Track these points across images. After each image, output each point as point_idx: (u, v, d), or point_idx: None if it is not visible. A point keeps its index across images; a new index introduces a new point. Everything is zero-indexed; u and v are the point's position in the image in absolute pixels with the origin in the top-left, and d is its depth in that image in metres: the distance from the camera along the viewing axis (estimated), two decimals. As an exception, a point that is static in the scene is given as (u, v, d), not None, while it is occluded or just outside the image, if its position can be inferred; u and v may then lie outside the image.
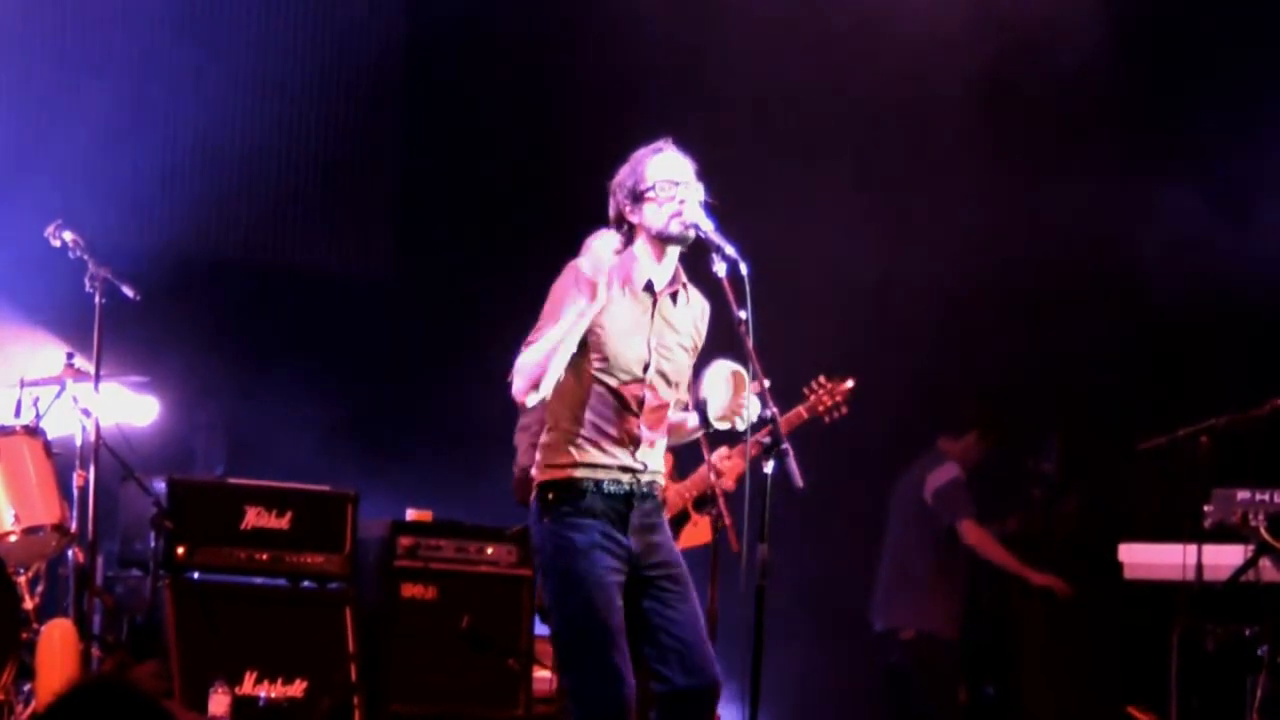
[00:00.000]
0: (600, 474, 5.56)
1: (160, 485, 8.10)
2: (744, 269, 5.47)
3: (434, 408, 9.89)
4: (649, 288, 5.63)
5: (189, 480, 8.35)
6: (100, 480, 7.82)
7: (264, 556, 8.26)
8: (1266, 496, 7.45)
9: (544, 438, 5.65)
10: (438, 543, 8.51)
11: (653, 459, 5.65)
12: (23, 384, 7.91)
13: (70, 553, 7.79)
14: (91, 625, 7.76)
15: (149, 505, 7.97)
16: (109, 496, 8.17)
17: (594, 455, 5.56)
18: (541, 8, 10.35)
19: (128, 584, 8.29)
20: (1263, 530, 7.40)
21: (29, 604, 7.52)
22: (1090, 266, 9.63)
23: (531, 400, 5.53)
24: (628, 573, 5.56)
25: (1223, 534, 7.50)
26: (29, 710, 7.33)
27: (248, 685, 8.00)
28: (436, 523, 8.60)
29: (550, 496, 5.58)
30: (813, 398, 7.24)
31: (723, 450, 6.98)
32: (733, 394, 5.57)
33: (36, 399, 7.86)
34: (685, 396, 5.73)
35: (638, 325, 5.61)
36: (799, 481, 5.34)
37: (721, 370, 5.57)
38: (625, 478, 5.58)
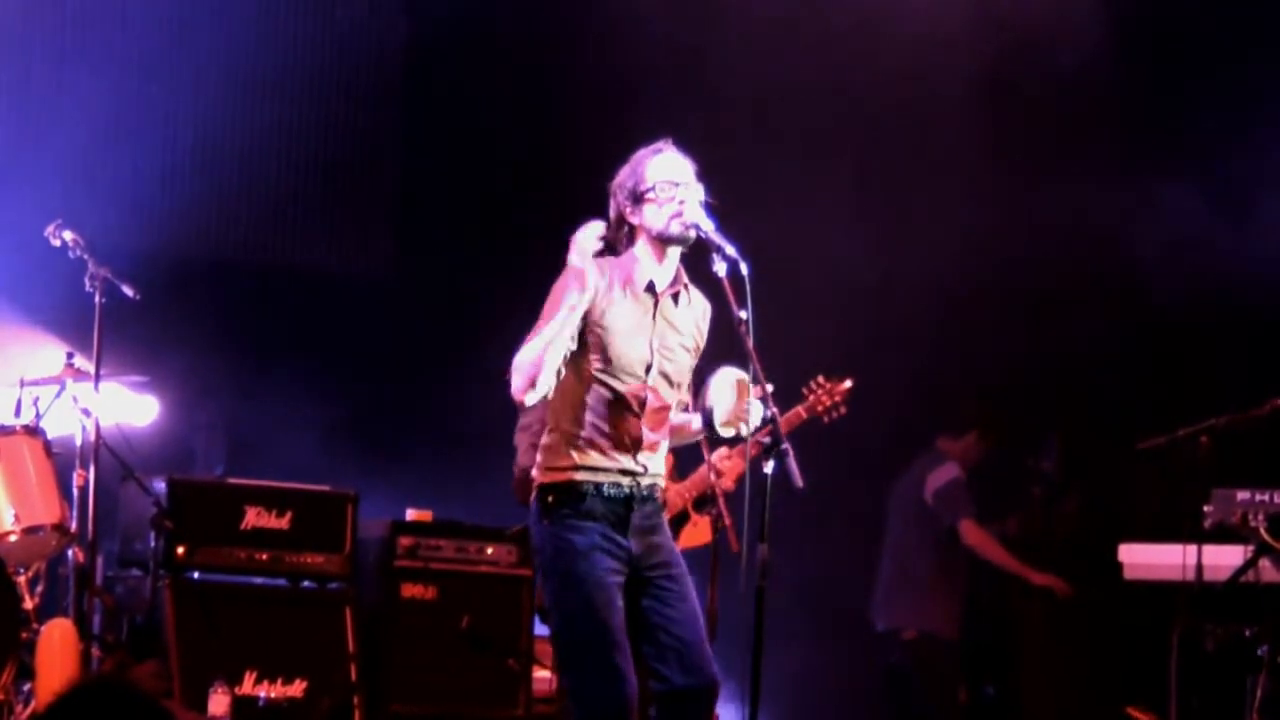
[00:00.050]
0: (600, 477, 5.56)
1: (160, 485, 8.10)
2: (744, 269, 5.47)
3: (434, 408, 9.89)
4: (650, 288, 5.63)
5: (189, 480, 8.35)
6: (100, 480, 7.82)
7: (264, 556, 8.26)
8: (1266, 496, 7.45)
9: (545, 439, 5.65)
10: (438, 543, 8.51)
11: (654, 462, 5.65)
12: (23, 384, 7.90)
13: (70, 553, 7.79)
14: (91, 625, 7.76)
15: (149, 505, 7.96)
16: (109, 496, 8.17)
17: (594, 458, 5.56)
18: (541, 8, 10.35)
19: (128, 584, 8.29)
20: (1263, 530, 7.39)
21: (29, 604, 7.52)
22: (1090, 266, 9.63)
23: (530, 399, 5.52)
24: (627, 573, 5.56)
25: (1223, 534, 7.49)
26: (29, 710, 7.32)
27: (248, 685, 8.00)
28: (436, 523, 8.60)
29: (550, 499, 5.58)
30: (811, 398, 7.24)
31: (723, 450, 6.97)
32: (737, 400, 5.56)
33: (36, 399, 7.86)
34: (686, 397, 5.73)
35: (640, 326, 5.61)
36: (799, 481, 5.34)
37: (727, 378, 5.56)
38: (626, 481, 5.57)
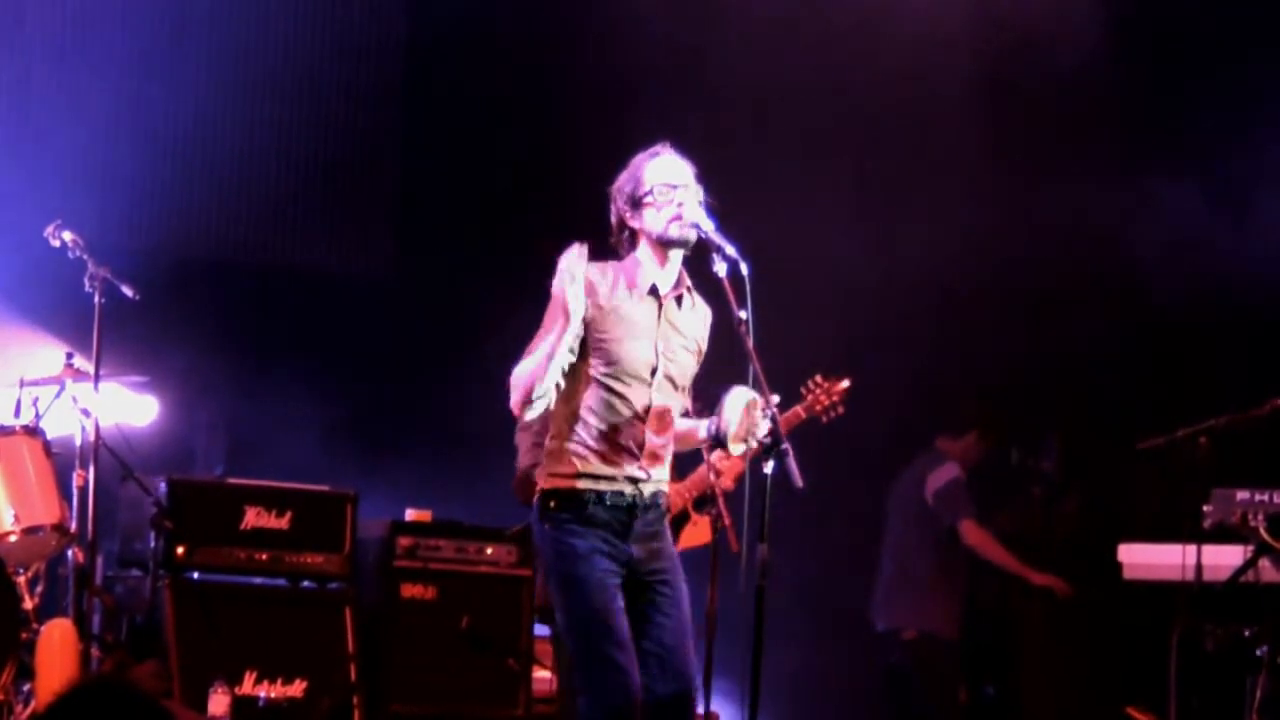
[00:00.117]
0: (603, 485, 5.55)
1: (160, 485, 8.10)
2: (744, 269, 5.47)
3: (434, 408, 9.89)
4: (654, 292, 5.63)
5: (189, 480, 8.34)
6: (100, 480, 7.81)
7: (264, 556, 8.26)
8: (1266, 496, 7.45)
9: (548, 444, 5.64)
10: (437, 543, 8.50)
11: (658, 468, 5.64)
12: (22, 384, 7.90)
13: (70, 553, 7.79)
14: (91, 625, 7.75)
15: (149, 505, 7.96)
16: (109, 496, 8.16)
17: (597, 465, 5.55)
18: (541, 8, 10.35)
19: (127, 584, 8.28)
20: (1262, 530, 7.39)
21: (29, 604, 7.52)
22: (1090, 266, 9.63)
23: (529, 414, 5.52)
24: (625, 574, 5.56)
25: (1222, 534, 7.49)
26: (29, 710, 7.32)
27: (247, 685, 8.00)
28: (436, 523, 8.60)
29: (552, 504, 5.58)
30: (810, 397, 7.25)
31: (722, 450, 6.96)
32: (746, 417, 5.55)
33: (36, 399, 7.85)
34: (687, 402, 5.74)
35: (643, 329, 5.60)
36: (799, 481, 5.34)
37: (740, 398, 5.54)
38: (629, 489, 5.57)
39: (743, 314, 5.48)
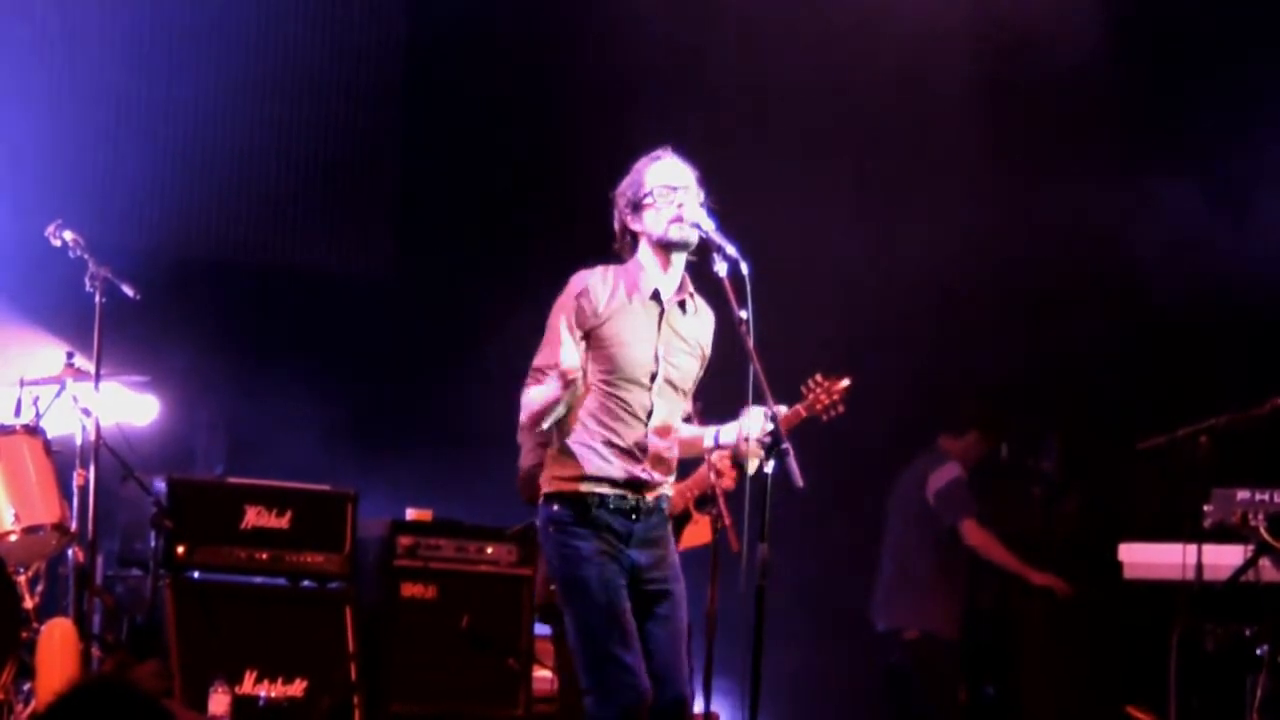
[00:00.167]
0: (606, 489, 5.57)
1: (160, 485, 8.10)
2: (744, 269, 5.48)
3: (434, 408, 9.89)
4: (656, 296, 5.63)
5: (189, 480, 8.35)
6: (100, 480, 7.81)
7: (264, 556, 8.26)
8: (1266, 496, 7.45)
9: (551, 447, 5.66)
10: (437, 542, 8.51)
11: (662, 472, 5.65)
12: (23, 383, 7.90)
13: (70, 552, 7.79)
14: (91, 625, 7.75)
15: (149, 505, 7.97)
16: (109, 496, 8.16)
17: (600, 469, 5.57)
18: (541, 8, 10.35)
19: (128, 583, 8.29)
20: (1263, 530, 7.39)
21: (29, 603, 7.52)
22: (1090, 266, 9.63)
23: (537, 429, 5.62)
24: (627, 579, 5.57)
25: (1223, 534, 7.49)
26: (29, 710, 7.32)
27: (248, 685, 8.00)
28: (436, 522, 8.60)
29: (555, 508, 5.60)
30: (810, 396, 7.23)
31: (723, 450, 6.96)
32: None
33: (36, 398, 7.85)
34: (689, 405, 5.75)
35: (645, 334, 5.61)
36: (799, 481, 5.34)
37: (755, 419, 5.53)
38: (631, 494, 5.59)
39: (743, 314, 5.49)
